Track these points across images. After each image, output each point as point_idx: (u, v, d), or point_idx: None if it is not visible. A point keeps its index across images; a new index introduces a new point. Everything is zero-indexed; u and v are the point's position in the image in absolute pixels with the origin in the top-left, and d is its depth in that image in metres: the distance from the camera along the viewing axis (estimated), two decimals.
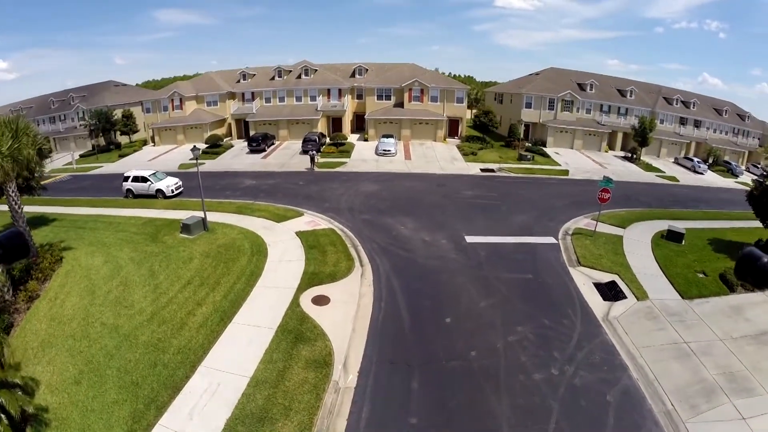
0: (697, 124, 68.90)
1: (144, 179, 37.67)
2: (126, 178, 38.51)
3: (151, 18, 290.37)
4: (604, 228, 28.66)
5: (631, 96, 67.71)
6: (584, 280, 22.33)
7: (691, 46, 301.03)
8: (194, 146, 25.76)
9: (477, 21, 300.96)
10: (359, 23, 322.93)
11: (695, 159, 60.10)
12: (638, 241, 27.27)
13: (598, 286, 21.77)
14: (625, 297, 20.64)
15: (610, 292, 21.21)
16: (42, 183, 32.05)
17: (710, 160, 63.08)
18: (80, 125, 68.66)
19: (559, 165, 51.02)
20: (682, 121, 68.29)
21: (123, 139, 68.85)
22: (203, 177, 45.12)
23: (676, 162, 62.43)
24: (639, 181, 47.91)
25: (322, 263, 22.80)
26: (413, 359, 16.12)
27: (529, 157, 51.77)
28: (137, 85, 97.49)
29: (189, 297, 19.75)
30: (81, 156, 63.96)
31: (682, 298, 20.59)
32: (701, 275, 22.82)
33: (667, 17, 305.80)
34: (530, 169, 47.49)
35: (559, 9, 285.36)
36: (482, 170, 46.26)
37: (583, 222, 30.44)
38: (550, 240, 27.30)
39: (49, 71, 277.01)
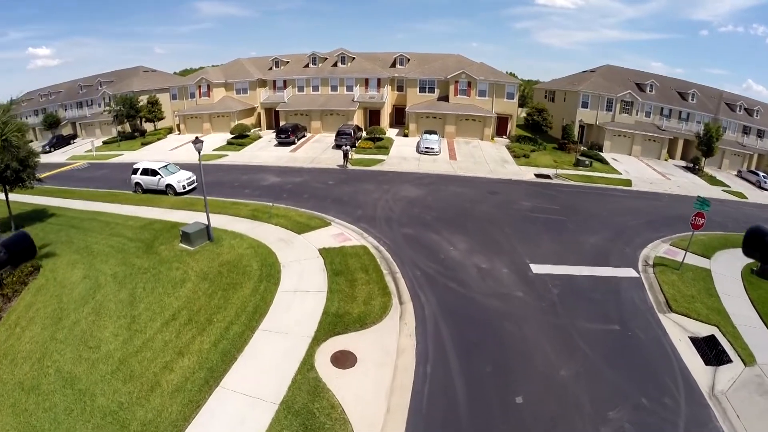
0: (761, 134, 61.44)
1: (153, 172, 33.37)
2: (135, 171, 34.41)
3: (192, 9, 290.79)
4: (686, 257, 23.24)
5: (692, 100, 60.60)
6: (679, 334, 16.95)
7: (736, 50, 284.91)
8: (196, 138, 20.96)
9: (517, 18, 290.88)
10: (397, 18, 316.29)
11: (761, 173, 52.83)
12: (729, 277, 21.94)
13: (696, 343, 16.53)
14: (729, 360, 15.57)
15: (710, 351, 16.07)
16: (40, 176, 28.31)
17: None
18: (105, 111, 65.80)
19: (620, 173, 44.69)
20: (745, 130, 61.02)
21: (148, 127, 65.41)
22: (224, 171, 41.45)
23: (740, 175, 55.19)
24: (707, 196, 40.90)
25: (350, 299, 17.40)
26: None
27: (587, 162, 45.64)
28: (174, 73, 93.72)
29: (170, 340, 14.88)
30: (104, 143, 61.70)
31: None
32: None
33: (712, 20, 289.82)
34: (590, 177, 41.41)
35: (601, 8, 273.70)
36: (536, 176, 40.41)
37: (662, 249, 24.94)
38: (631, 273, 21.69)
39: (90, 59, 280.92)
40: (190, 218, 25.23)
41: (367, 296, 17.58)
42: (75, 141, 68.11)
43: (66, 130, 73.04)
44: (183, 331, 15.27)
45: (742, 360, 15.47)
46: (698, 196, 23.54)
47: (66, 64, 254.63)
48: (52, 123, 72.50)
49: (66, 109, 76.39)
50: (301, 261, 20.34)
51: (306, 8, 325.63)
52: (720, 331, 17.10)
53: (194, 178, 33.99)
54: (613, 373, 14.42)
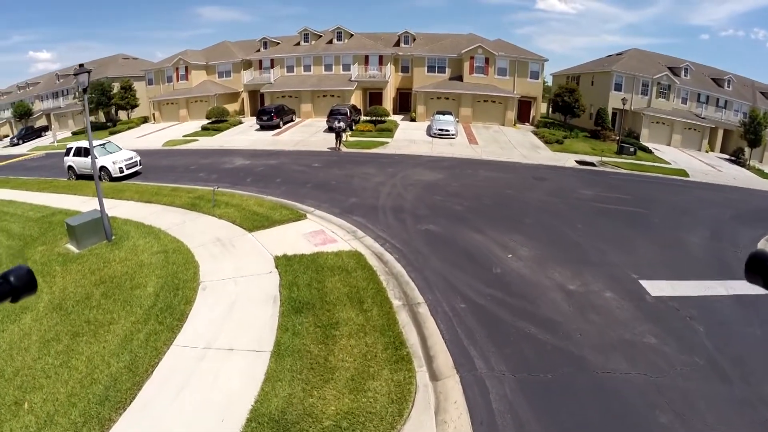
0: None
1: (87, 152, 25.17)
2: (68, 151, 26.66)
3: (194, 15, 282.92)
4: None
5: (728, 87, 53.67)
6: None
7: (738, 54, 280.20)
8: (81, 65, 12.54)
9: (519, 25, 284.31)
10: (398, 24, 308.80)
11: None
12: None
13: None
14: None
15: None
16: None
17: None
18: (76, 100, 58.43)
19: (669, 163, 37.03)
20: None
21: (123, 116, 57.81)
22: (184, 155, 32.20)
23: None
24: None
25: (319, 374, 7.97)
26: None
27: (631, 150, 37.92)
28: None
29: None
30: (73, 134, 54.87)
31: None
32: None
33: (712, 24, 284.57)
34: (640, 166, 33.57)
35: (602, 14, 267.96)
36: (578, 162, 32.33)
37: None
38: None
39: (91, 63, 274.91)
40: (111, 209, 17.03)
41: (360, 365, 8.19)
42: (46, 133, 60.80)
43: (41, 122, 67.02)
44: None
45: None
46: None
47: (67, 68, 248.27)
48: (22, 114, 67.31)
49: (42, 101, 70.92)
50: (239, 279, 11.45)
51: (307, 15, 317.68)
52: None
53: (137, 159, 25.95)
54: None
